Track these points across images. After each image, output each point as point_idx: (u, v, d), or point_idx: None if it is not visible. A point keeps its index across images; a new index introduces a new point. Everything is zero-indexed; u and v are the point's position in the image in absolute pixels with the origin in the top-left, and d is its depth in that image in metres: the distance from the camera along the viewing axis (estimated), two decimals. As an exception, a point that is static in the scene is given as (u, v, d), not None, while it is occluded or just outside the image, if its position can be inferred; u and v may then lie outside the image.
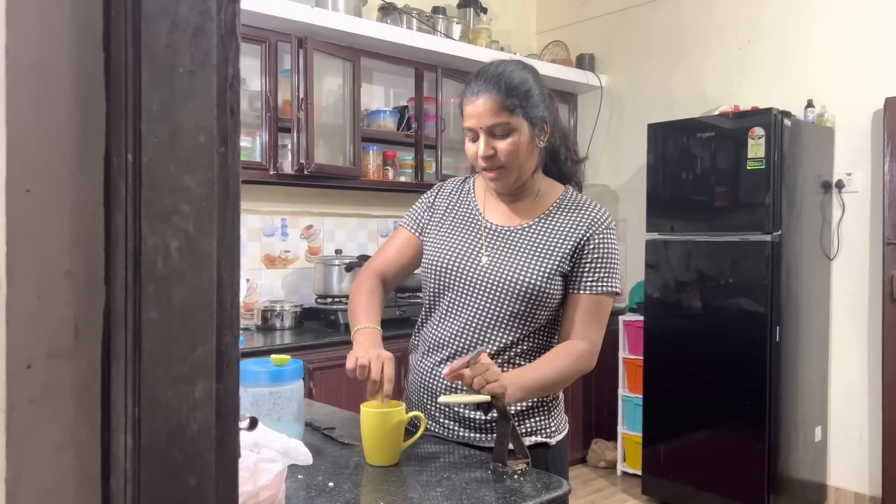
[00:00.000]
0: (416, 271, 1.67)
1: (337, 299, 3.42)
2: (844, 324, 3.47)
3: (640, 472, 3.63)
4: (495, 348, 1.47)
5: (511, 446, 1.32)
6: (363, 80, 3.56)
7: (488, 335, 1.47)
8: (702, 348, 3.31)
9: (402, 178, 3.78)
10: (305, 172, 3.21)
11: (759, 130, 3.12)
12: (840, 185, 3.45)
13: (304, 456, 1.14)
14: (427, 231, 1.61)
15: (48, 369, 0.54)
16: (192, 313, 0.55)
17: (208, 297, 0.56)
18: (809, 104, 3.44)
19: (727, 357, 3.22)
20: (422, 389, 1.54)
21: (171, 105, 0.54)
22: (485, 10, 4.20)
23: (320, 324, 3.36)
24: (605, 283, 1.47)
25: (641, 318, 3.65)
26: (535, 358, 1.48)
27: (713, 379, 3.26)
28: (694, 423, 3.35)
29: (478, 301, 1.48)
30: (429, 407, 1.53)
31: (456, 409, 1.49)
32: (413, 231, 1.63)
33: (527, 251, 1.47)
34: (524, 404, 1.48)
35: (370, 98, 3.84)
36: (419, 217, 1.64)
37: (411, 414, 1.36)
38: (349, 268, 3.41)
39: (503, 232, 1.52)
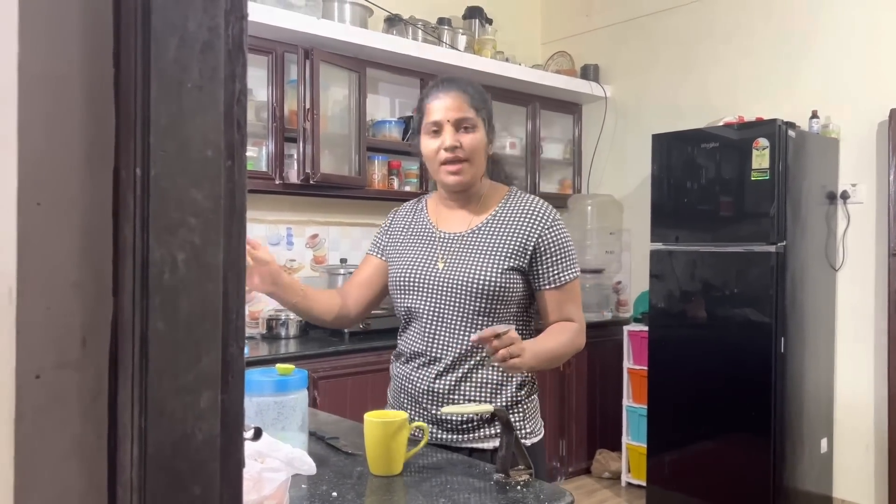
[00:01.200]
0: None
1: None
2: (850, 335, 3.46)
3: (644, 483, 3.61)
4: (467, 346, 1.53)
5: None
6: (369, 91, 3.58)
7: (459, 335, 1.54)
8: (706, 359, 3.31)
9: (408, 188, 3.79)
10: (311, 182, 3.22)
11: (763, 141, 3.13)
12: (845, 195, 3.45)
13: (308, 466, 1.14)
14: (388, 253, 1.71)
15: (56, 379, 0.55)
16: (198, 324, 0.56)
17: (214, 309, 0.57)
18: (814, 115, 3.45)
19: (732, 368, 3.21)
20: (402, 394, 1.62)
21: (179, 119, 0.55)
22: (490, 21, 4.22)
23: (325, 333, 3.36)
24: (567, 274, 1.57)
25: (646, 328, 3.65)
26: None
27: (718, 390, 3.25)
28: (699, 434, 3.34)
29: (442, 305, 1.56)
30: (408, 411, 1.59)
31: (446, 416, 1.53)
32: (376, 254, 1.74)
33: (478, 252, 1.56)
34: (500, 403, 1.55)
35: (375, 108, 3.86)
36: (379, 242, 1.75)
37: (415, 424, 1.36)
38: (354, 277, 3.41)
39: (455, 238, 1.61)
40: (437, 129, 1.54)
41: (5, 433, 0.53)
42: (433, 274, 1.57)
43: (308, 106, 3.20)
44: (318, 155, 3.21)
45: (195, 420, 0.56)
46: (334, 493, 1.20)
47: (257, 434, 1.03)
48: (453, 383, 1.54)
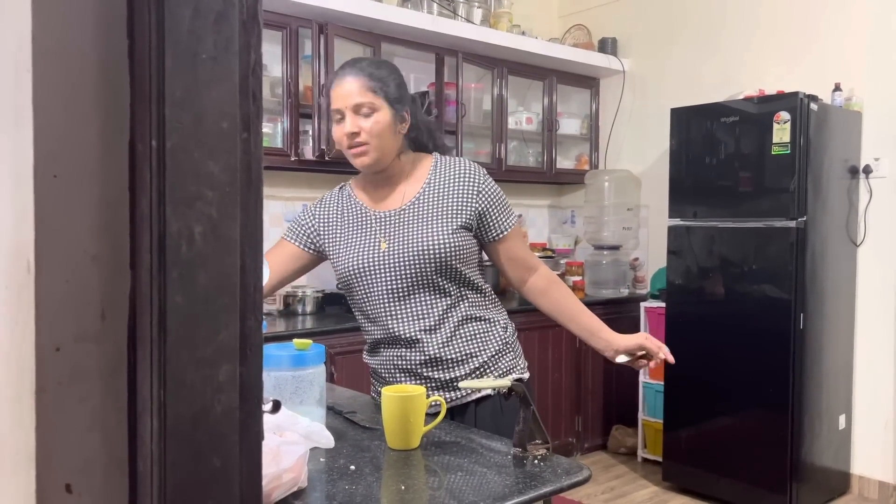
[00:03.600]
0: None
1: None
2: (870, 311, 3.42)
3: (660, 459, 3.62)
4: (437, 315, 1.58)
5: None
6: (384, 66, 3.54)
7: (426, 307, 1.58)
8: (724, 335, 3.29)
9: (423, 164, 3.77)
10: (326, 158, 3.22)
11: (784, 115, 3.07)
12: (867, 170, 3.39)
13: (327, 439, 1.15)
14: (322, 246, 1.69)
15: (76, 352, 0.55)
16: (216, 297, 0.56)
17: (232, 282, 0.57)
18: (837, 88, 3.38)
19: (750, 344, 3.19)
20: (398, 372, 1.63)
21: (194, 91, 0.54)
22: (506, -6, 4.16)
23: (342, 309, 3.37)
24: (510, 221, 1.65)
25: (663, 304, 3.63)
26: (482, 312, 1.63)
27: (736, 366, 3.23)
28: (716, 410, 3.33)
29: (398, 282, 1.57)
30: (402, 382, 1.61)
31: (466, 390, 1.59)
32: (291, 240, 1.72)
33: (423, 221, 1.58)
34: (494, 348, 1.63)
35: (391, 83, 3.83)
36: (303, 231, 1.72)
37: (432, 398, 1.37)
38: (370, 253, 3.41)
39: (393, 215, 1.61)
40: (340, 117, 1.56)
41: (27, 406, 0.54)
42: (378, 256, 1.58)
43: (323, 81, 3.18)
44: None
45: (214, 393, 0.56)
46: (352, 467, 1.21)
47: (276, 407, 1.03)
48: (446, 345, 1.58)
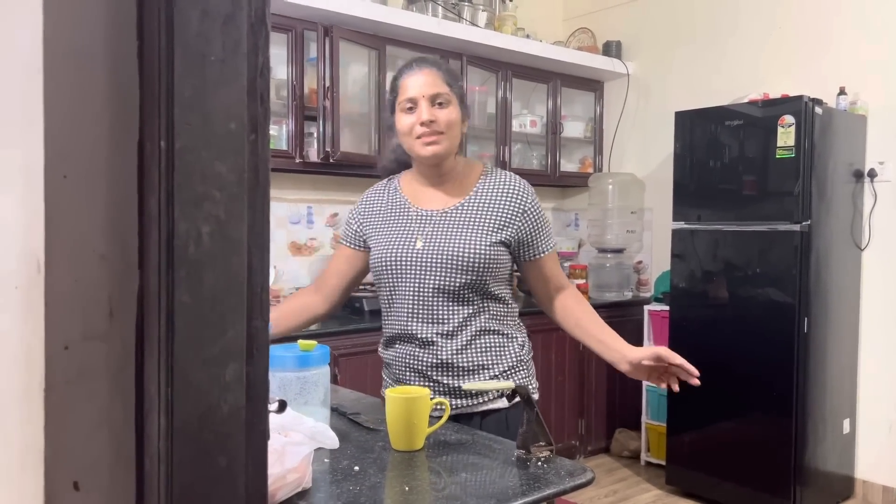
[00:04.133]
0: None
1: (362, 287, 3.42)
2: (875, 314, 3.42)
3: (664, 462, 3.61)
4: (457, 322, 1.57)
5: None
6: (388, 69, 3.56)
7: (447, 312, 1.57)
8: (728, 339, 3.28)
9: (427, 167, 3.78)
10: (331, 161, 3.23)
11: (789, 118, 3.07)
12: (872, 174, 3.39)
13: (331, 439, 1.15)
14: (367, 238, 1.70)
15: (84, 350, 0.55)
16: (224, 297, 0.56)
17: (239, 282, 0.57)
18: (842, 91, 3.38)
19: (754, 348, 3.19)
20: (409, 372, 1.62)
21: (202, 92, 0.55)
22: (511, -2, 4.17)
23: (345, 311, 3.38)
24: (549, 244, 1.66)
25: (667, 308, 3.62)
26: (501, 326, 1.61)
27: (739, 370, 3.23)
28: (719, 414, 3.32)
29: (425, 283, 1.57)
30: (418, 385, 1.60)
31: (446, 380, 1.59)
32: (348, 244, 1.75)
33: (463, 227, 1.58)
34: (508, 363, 1.62)
35: (395, 86, 3.84)
36: (350, 230, 1.75)
37: (436, 400, 1.37)
38: (374, 256, 3.42)
39: (436, 215, 1.62)
40: (413, 106, 1.55)
41: (36, 404, 0.54)
42: (412, 253, 1.58)
43: (328, 84, 3.19)
44: (337, 133, 3.21)
45: (221, 392, 0.56)
46: (356, 468, 1.21)
47: (282, 406, 1.04)
48: (458, 351, 1.57)
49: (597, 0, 4.57)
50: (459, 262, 1.54)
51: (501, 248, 1.58)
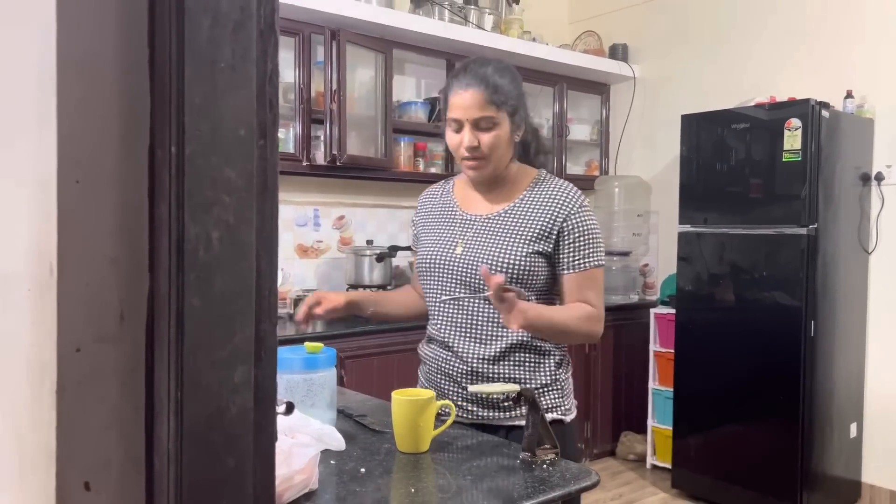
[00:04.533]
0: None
1: (368, 289, 3.45)
2: (882, 318, 3.41)
3: (669, 466, 3.61)
4: (490, 332, 1.55)
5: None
6: (395, 72, 3.57)
7: (483, 321, 1.55)
8: (734, 342, 3.28)
9: (433, 170, 3.79)
10: (338, 164, 3.24)
11: (795, 122, 3.07)
12: (879, 177, 3.38)
13: (338, 441, 1.16)
14: (420, 239, 1.72)
15: (96, 353, 0.56)
16: (233, 300, 0.57)
17: (248, 286, 0.58)
18: (849, 95, 3.37)
19: (760, 351, 3.18)
20: (440, 375, 1.62)
21: (212, 99, 0.55)
22: (517, 1, 4.18)
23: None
24: (590, 260, 1.56)
25: (673, 311, 3.62)
26: (539, 342, 1.56)
27: (746, 373, 3.22)
28: (726, 418, 3.32)
29: (462, 289, 1.56)
30: (446, 391, 1.59)
31: (451, 388, 1.57)
32: (415, 248, 1.76)
33: (501, 235, 1.55)
34: (540, 381, 1.56)
35: (402, 89, 3.85)
36: (413, 234, 1.77)
37: (441, 402, 1.38)
38: (380, 258, 3.43)
39: (479, 220, 1.60)
40: (458, 126, 1.54)
41: (48, 405, 0.55)
42: (451, 259, 1.58)
43: (335, 87, 3.20)
44: (344, 136, 3.22)
45: (230, 394, 0.57)
46: (362, 469, 1.22)
47: (289, 409, 1.05)
48: (492, 363, 1.55)
49: (603, 3, 4.58)
50: (494, 271, 1.50)
51: (539, 259, 1.54)
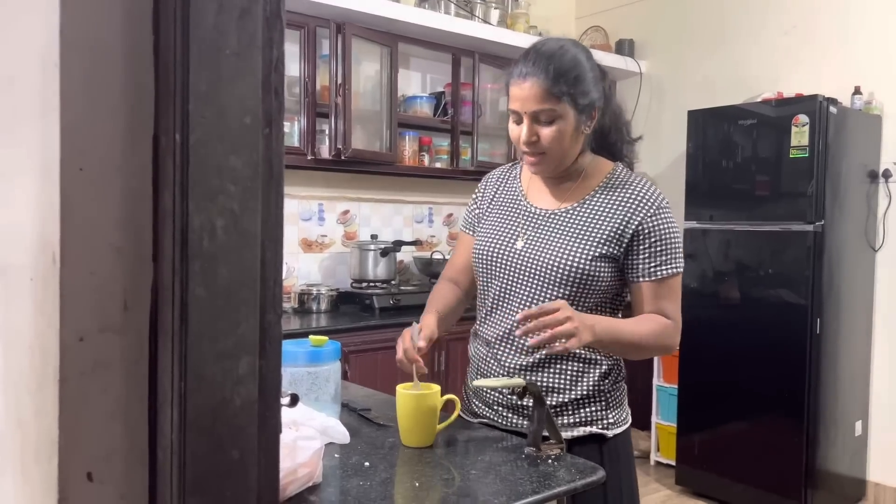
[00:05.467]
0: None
1: (372, 284, 3.44)
2: (888, 316, 3.39)
3: (673, 463, 3.60)
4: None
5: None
6: (400, 66, 3.56)
7: None
8: (740, 339, 3.26)
9: (438, 165, 3.78)
10: (342, 158, 3.23)
11: (803, 118, 3.05)
12: (887, 174, 3.36)
13: (342, 435, 1.16)
14: (480, 223, 1.60)
15: (99, 343, 0.56)
16: (237, 291, 0.56)
17: (252, 276, 0.57)
18: (857, 91, 3.35)
19: (766, 348, 3.17)
20: (478, 375, 1.54)
21: (217, 86, 0.55)
22: (523, -5, 4.16)
23: (356, 308, 3.39)
24: (667, 268, 1.42)
25: (678, 307, 3.61)
26: (587, 352, 1.45)
27: (751, 370, 3.21)
28: (730, 415, 3.31)
29: (519, 287, 1.45)
30: (484, 394, 1.52)
31: (490, 392, 1.49)
32: (468, 232, 1.63)
33: (567, 234, 1.43)
34: (580, 392, 1.43)
35: (407, 84, 3.84)
36: (471, 216, 1.64)
37: (446, 397, 1.37)
38: (384, 253, 3.43)
39: (544, 215, 1.48)
40: (518, 118, 1.41)
41: (50, 395, 0.55)
42: (511, 253, 1.46)
43: (340, 81, 3.19)
44: (349, 131, 3.21)
45: (234, 385, 0.57)
46: (367, 463, 1.21)
47: (294, 400, 1.04)
48: (530, 371, 1.44)
49: (610, -2, 4.56)
50: (555, 273, 1.40)
51: (606, 264, 1.41)
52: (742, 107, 3.32)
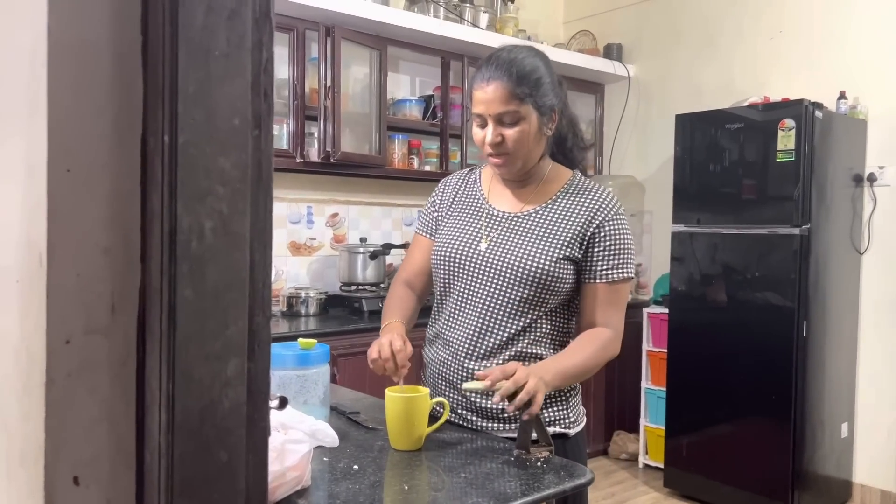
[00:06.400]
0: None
1: (361, 287, 3.43)
2: (874, 319, 3.42)
3: (662, 465, 3.61)
4: (506, 336, 1.46)
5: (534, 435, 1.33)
6: (389, 69, 3.56)
7: (497, 323, 1.46)
8: (727, 342, 3.28)
9: (427, 167, 3.78)
10: (332, 160, 3.23)
11: (789, 122, 3.08)
12: (872, 178, 3.39)
13: (331, 438, 1.15)
14: (439, 226, 1.62)
15: (86, 345, 0.55)
16: (226, 292, 0.56)
17: (241, 277, 0.57)
18: (842, 96, 3.38)
19: (753, 351, 3.19)
20: (441, 381, 1.54)
21: (206, 87, 0.54)
22: (512, 0, 4.18)
23: (344, 311, 3.38)
24: (619, 271, 1.47)
25: (666, 310, 3.62)
26: (550, 344, 1.49)
27: (738, 373, 3.23)
28: (718, 417, 3.32)
29: (482, 288, 1.48)
30: (449, 398, 1.52)
31: (474, 397, 1.48)
32: (426, 234, 1.65)
33: (530, 236, 1.47)
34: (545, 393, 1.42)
35: (396, 87, 3.84)
36: (428, 219, 1.66)
37: (435, 400, 1.37)
38: (373, 256, 3.42)
39: (506, 218, 1.52)
40: (482, 122, 1.46)
41: (36, 397, 0.54)
42: (475, 254, 1.49)
43: (329, 84, 3.19)
44: (338, 133, 3.21)
45: (222, 387, 0.56)
46: (355, 467, 1.21)
47: (282, 403, 1.04)
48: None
49: (598, 2, 4.58)
50: (520, 274, 1.43)
51: (569, 265, 1.45)
52: (729, 111, 3.34)
